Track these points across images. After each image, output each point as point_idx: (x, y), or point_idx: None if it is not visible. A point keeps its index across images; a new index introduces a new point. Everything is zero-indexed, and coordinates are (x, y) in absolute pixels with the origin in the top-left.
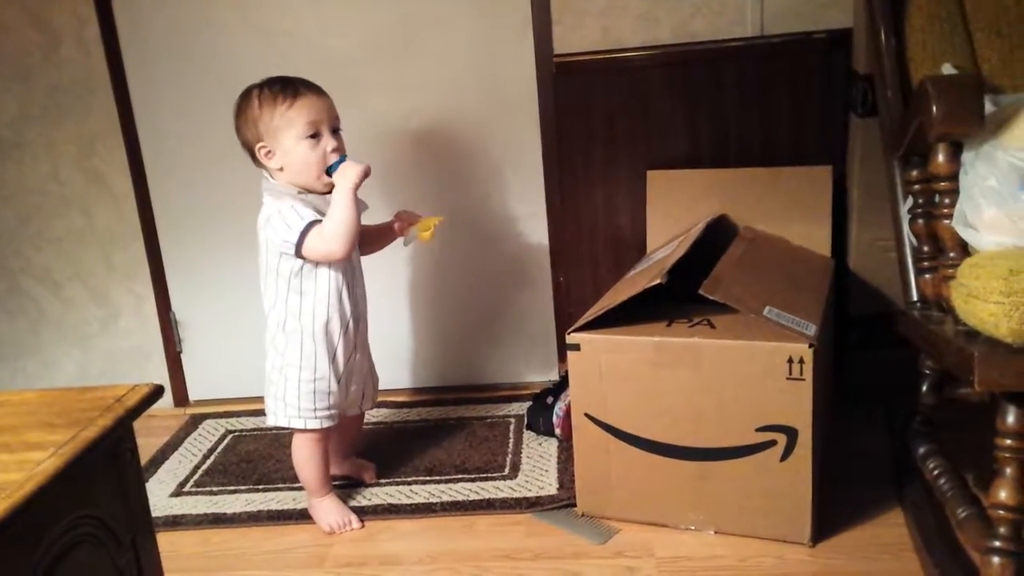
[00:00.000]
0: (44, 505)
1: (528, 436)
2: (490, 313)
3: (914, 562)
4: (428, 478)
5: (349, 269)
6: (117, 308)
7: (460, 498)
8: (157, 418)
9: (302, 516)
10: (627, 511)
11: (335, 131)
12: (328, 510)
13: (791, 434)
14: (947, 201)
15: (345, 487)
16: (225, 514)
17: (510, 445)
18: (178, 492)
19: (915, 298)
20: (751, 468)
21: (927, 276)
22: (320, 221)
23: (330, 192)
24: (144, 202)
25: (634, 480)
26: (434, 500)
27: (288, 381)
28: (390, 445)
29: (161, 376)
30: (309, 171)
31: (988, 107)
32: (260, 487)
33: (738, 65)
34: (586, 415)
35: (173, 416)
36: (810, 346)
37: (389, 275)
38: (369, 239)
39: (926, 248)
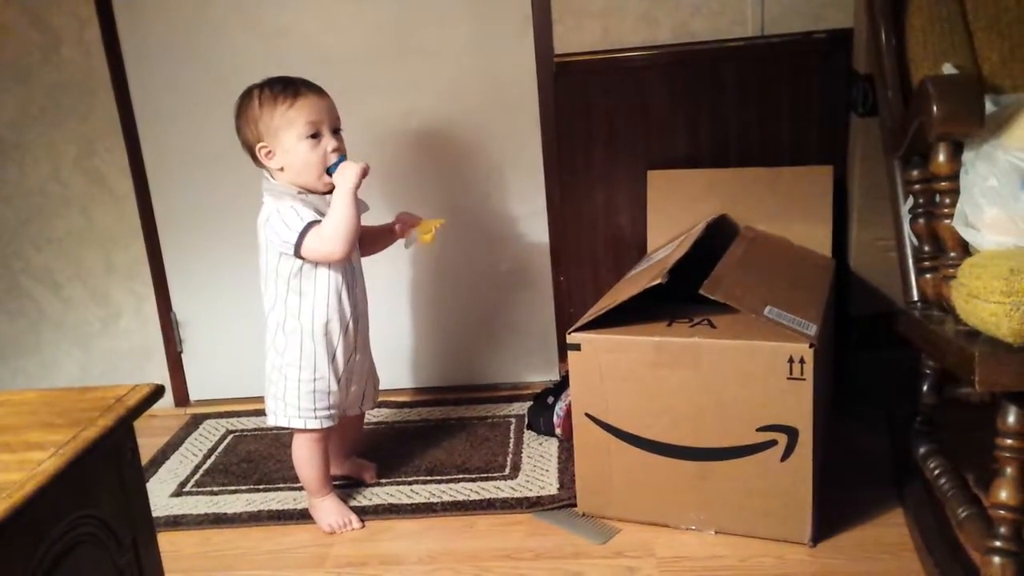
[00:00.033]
0: (45, 505)
1: (529, 436)
2: (490, 313)
3: (914, 562)
4: (429, 478)
5: (349, 269)
6: (118, 308)
7: (461, 498)
8: (158, 418)
9: (303, 516)
10: (628, 511)
11: (335, 131)
12: (328, 510)
13: (792, 434)
14: (948, 201)
15: (345, 487)
16: (226, 514)
17: (511, 445)
18: (179, 492)
19: (916, 298)
20: (752, 468)
21: (928, 276)
22: (319, 221)
23: (331, 192)
24: (144, 202)
25: (635, 480)
26: (435, 500)
27: (288, 381)
28: (391, 445)
29: (162, 376)
30: (309, 171)
31: (989, 107)
32: (261, 487)
33: (738, 65)
34: (587, 415)
35: (174, 416)
36: (811, 346)
37: (390, 275)
38: (370, 240)
39: (927, 248)
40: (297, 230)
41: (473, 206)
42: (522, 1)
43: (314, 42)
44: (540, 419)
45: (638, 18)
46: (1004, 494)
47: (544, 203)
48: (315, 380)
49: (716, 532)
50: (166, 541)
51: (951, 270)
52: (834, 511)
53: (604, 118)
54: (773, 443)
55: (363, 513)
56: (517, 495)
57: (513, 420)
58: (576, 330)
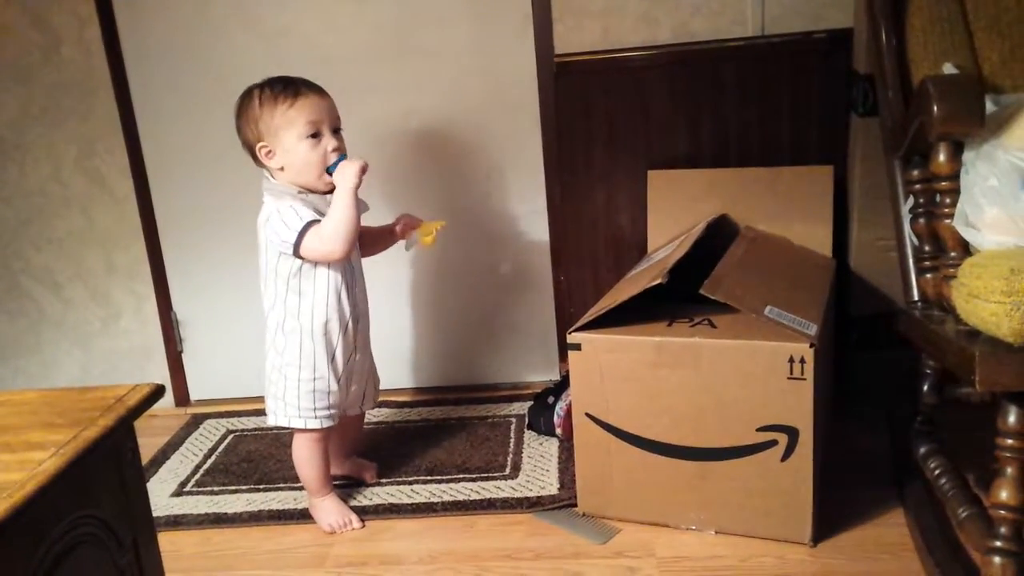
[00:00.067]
0: (45, 505)
1: (529, 436)
2: (491, 313)
3: (915, 562)
4: (429, 478)
5: (348, 269)
6: (118, 308)
7: (461, 498)
8: (158, 418)
9: (303, 516)
10: (628, 511)
11: (336, 131)
12: (329, 510)
13: (792, 434)
14: (948, 201)
15: (346, 487)
16: (226, 514)
17: (511, 445)
18: (179, 492)
19: (916, 298)
20: (752, 468)
21: (928, 276)
22: (319, 221)
23: (331, 192)
24: (145, 202)
25: (635, 480)
26: (435, 500)
27: (288, 381)
28: (391, 445)
29: (162, 376)
30: (310, 171)
31: (989, 107)
32: (261, 487)
33: (738, 65)
34: (587, 415)
35: (174, 416)
36: (811, 346)
37: (390, 275)
38: (370, 241)
39: (927, 248)
40: (296, 230)
41: (473, 206)
42: (522, 1)
43: (314, 42)
44: (540, 419)
45: (638, 18)
46: (1004, 494)
47: (544, 203)
48: (315, 380)
49: (716, 532)
50: (166, 541)
51: (951, 270)
52: (834, 511)
53: (604, 118)
54: (773, 443)
55: (363, 513)
56: (517, 495)
57: (513, 420)
58: (576, 330)
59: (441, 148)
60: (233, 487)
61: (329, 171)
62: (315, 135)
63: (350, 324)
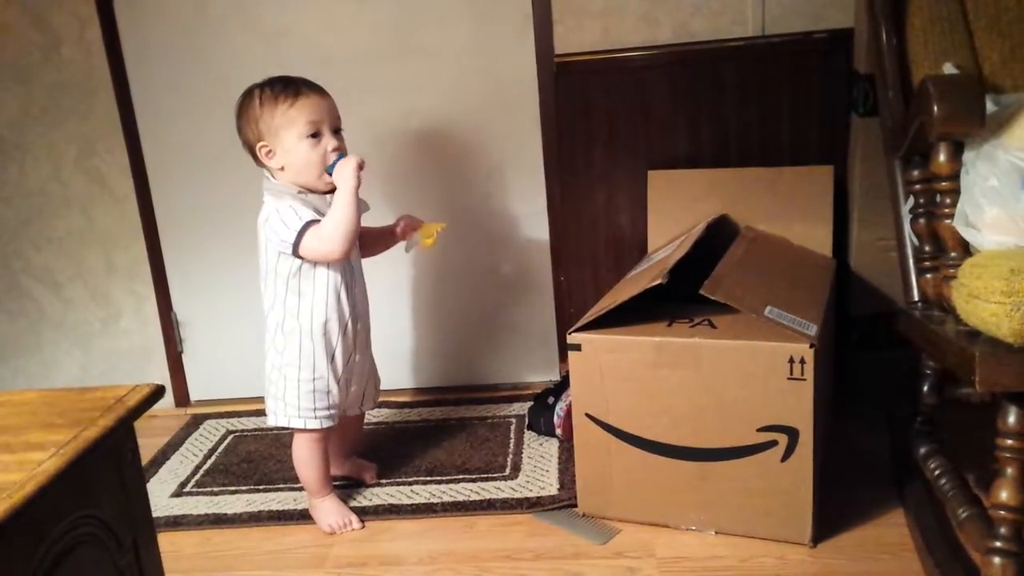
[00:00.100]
0: (45, 505)
1: (529, 436)
2: (491, 313)
3: (915, 562)
4: (429, 478)
5: (348, 270)
6: (118, 308)
7: (461, 498)
8: (158, 418)
9: (303, 516)
10: (628, 511)
11: (336, 131)
12: (328, 510)
13: (792, 434)
14: (948, 201)
15: (346, 487)
16: (226, 514)
17: (511, 445)
18: (179, 492)
19: (916, 298)
20: (752, 468)
21: (928, 276)
22: (318, 221)
23: (331, 192)
24: (145, 202)
25: (635, 480)
26: (435, 500)
27: (288, 381)
28: (391, 445)
29: (162, 376)
30: (310, 171)
31: (989, 107)
32: (261, 487)
33: (739, 65)
34: (587, 415)
35: (174, 416)
36: (811, 346)
37: (390, 276)
38: (370, 241)
39: (927, 248)
40: (295, 229)
41: (473, 206)
42: (522, 1)
43: (314, 42)
44: (540, 419)
45: (638, 18)
46: (1004, 494)
47: (544, 203)
48: (314, 380)
49: (716, 532)
50: (166, 541)
51: (951, 270)
52: (834, 511)
53: (604, 118)
54: (773, 443)
55: (363, 513)
56: (517, 495)
57: (513, 420)
58: (576, 330)
59: (441, 148)
60: (233, 488)
61: (328, 171)
62: (315, 135)
63: (349, 324)
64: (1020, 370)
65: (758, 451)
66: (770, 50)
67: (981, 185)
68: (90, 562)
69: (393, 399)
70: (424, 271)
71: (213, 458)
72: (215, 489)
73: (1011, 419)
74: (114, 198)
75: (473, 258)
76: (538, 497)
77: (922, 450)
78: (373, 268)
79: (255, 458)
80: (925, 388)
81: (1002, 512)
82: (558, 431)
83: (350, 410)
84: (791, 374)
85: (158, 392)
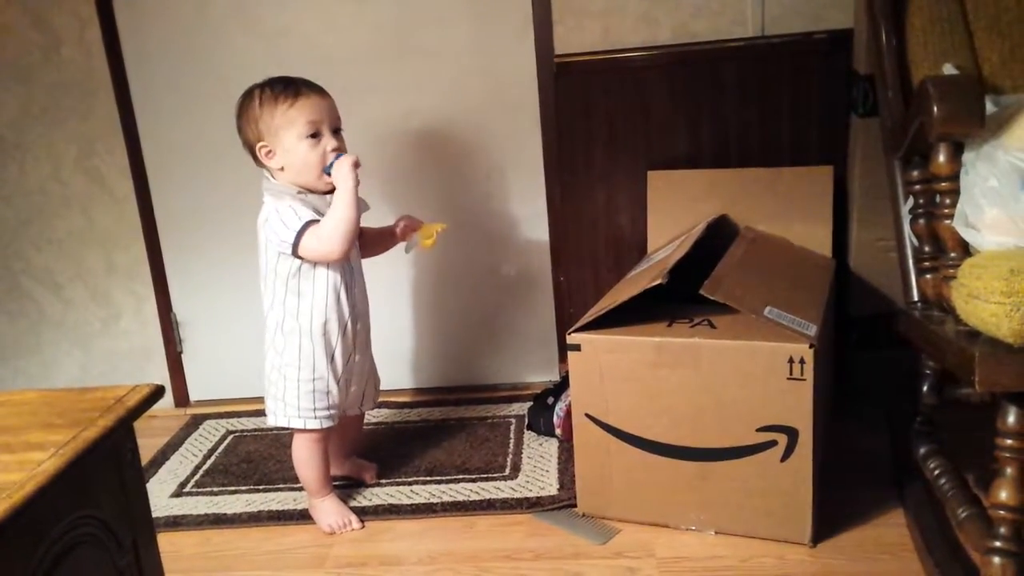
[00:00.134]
0: (45, 505)
1: (529, 436)
2: (491, 313)
3: (915, 562)
4: (429, 478)
5: (348, 270)
6: (118, 308)
7: (461, 498)
8: (158, 418)
9: (303, 516)
10: (628, 511)
11: (336, 131)
12: (328, 510)
13: (792, 434)
14: (948, 201)
15: (345, 487)
16: (226, 514)
17: (511, 445)
18: (179, 492)
19: (916, 298)
20: (752, 468)
21: (928, 276)
22: (318, 221)
23: (331, 192)
24: (145, 202)
25: (635, 480)
26: (435, 500)
27: (287, 381)
28: (391, 445)
29: (162, 376)
30: (309, 171)
31: (989, 107)
32: (261, 487)
33: (738, 65)
34: (587, 415)
35: (174, 416)
36: (811, 346)
37: (390, 276)
38: (370, 242)
39: (927, 248)
40: (295, 229)
41: (473, 206)
42: (522, 1)
43: (314, 42)
44: (540, 419)
45: (638, 18)
46: (1004, 494)
47: (544, 203)
48: (314, 380)
49: (716, 532)
50: (166, 541)
51: (951, 270)
52: (834, 511)
53: (604, 118)
54: (773, 443)
55: (363, 513)
56: (517, 495)
57: (513, 420)
58: (576, 330)
59: (441, 148)
60: (233, 488)
61: (327, 171)
62: (315, 135)
63: (349, 324)
64: (1020, 370)
65: (758, 451)
66: (770, 50)
67: (981, 185)
68: (90, 562)
69: (393, 399)
70: (424, 271)
71: (213, 458)
72: (215, 489)
73: (1011, 419)
74: (114, 198)
75: (473, 258)
76: (538, 497)
77: (922, 450)
78: (373, 268)
79: (255, 458)
80: (925, 388)
81: (1002, 512)
82: (558, 431)
83: (350, 410)
84: (791, 374)
85: (158, 392)
